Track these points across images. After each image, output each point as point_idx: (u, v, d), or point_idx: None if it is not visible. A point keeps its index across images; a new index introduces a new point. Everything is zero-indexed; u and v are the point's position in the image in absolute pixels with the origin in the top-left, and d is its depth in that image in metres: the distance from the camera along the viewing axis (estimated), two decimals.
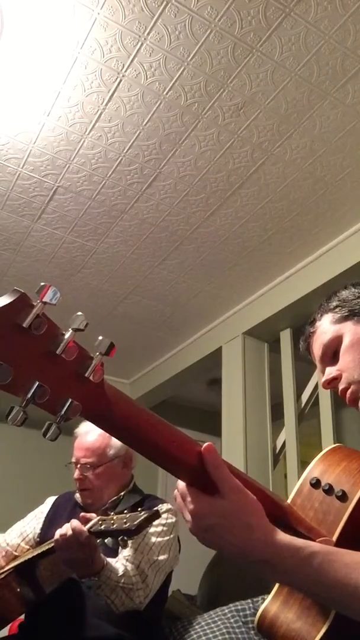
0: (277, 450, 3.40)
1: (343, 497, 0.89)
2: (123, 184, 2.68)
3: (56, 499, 1.95)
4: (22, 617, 1.68)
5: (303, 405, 3.33)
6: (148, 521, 1.30)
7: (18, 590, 1.50)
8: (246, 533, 0.72)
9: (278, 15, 1.91)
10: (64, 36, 2.00)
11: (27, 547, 1.82)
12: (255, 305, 3.54)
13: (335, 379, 1.03)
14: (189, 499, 0.73)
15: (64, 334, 0.60)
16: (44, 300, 0.57)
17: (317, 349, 1.07)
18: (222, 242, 3.06)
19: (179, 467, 0.73)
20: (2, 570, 1.65)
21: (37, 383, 0.58)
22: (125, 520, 1.31)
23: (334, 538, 0.85)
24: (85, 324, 0.61)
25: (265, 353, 3.66)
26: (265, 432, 3.44)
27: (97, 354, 0.63)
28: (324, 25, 1.94)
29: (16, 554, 1.81)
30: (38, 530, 1.85)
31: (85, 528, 1.38)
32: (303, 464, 3.09)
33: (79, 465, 1.79)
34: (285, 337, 3.47)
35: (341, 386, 1.02)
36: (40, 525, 1.86)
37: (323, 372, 1.07)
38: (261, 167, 2.56)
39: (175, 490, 0.76)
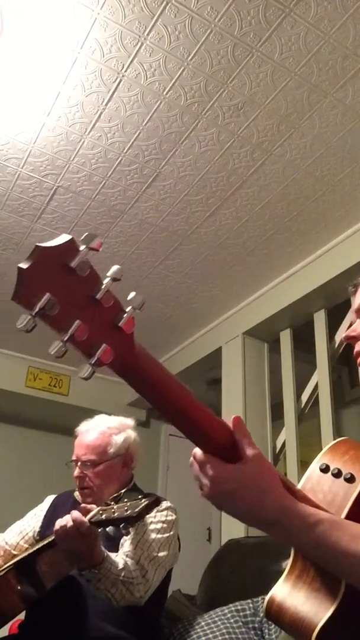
0: (277, 450, 3.40)
1: (351, 479, 0.92)
2: (123, 184, 2.68)
3: (55, 498, 1.95)
4: (22, 617, 1.68)
5: (303, 405, 3.33)
6: (149, 508, 1.31)
7: (18, 587, 1.50)
8: (261, 496, 0.77)
9: (278, 15, 1.91)
10: (64, 36, 2.00)
11: (27, 545, 1.82)
12: (255, 305, 3.53)
13: (353, 338, 1.10)
14: (209, 465, 0.77)
15: (102, 282, 0.64)
16: (90, 246, 0.63)
17: (356, 301, 1.14)
18: (222, 242, 3.06)
19: (200, 432, 0.76)
20: (2, 567, 1.65)
21: (77, 321, 0.62)
22: (126, 508, 1.32)
23: (342, 517, 0.87)
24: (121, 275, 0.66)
25: (265, 353, 3.66)
26: (265, 432, 3.44)
27: (130, 307, 0.66)
28: (324, 25, 1.94)
29: (15, 552, 1.81)
30: (37, 529, 1.85)
31: (86, 519, 1.39)
32: (303, 464, 3.09)
33: (79, 463, 1.79)
34: (285, 337, 3.47)
35: (356, 348, 1.10)
36: (39, 524, 1.86)
37: (353, 322, 1.14)
38: (261, 167, 2.56)
39: (192, 458, 0.79)
